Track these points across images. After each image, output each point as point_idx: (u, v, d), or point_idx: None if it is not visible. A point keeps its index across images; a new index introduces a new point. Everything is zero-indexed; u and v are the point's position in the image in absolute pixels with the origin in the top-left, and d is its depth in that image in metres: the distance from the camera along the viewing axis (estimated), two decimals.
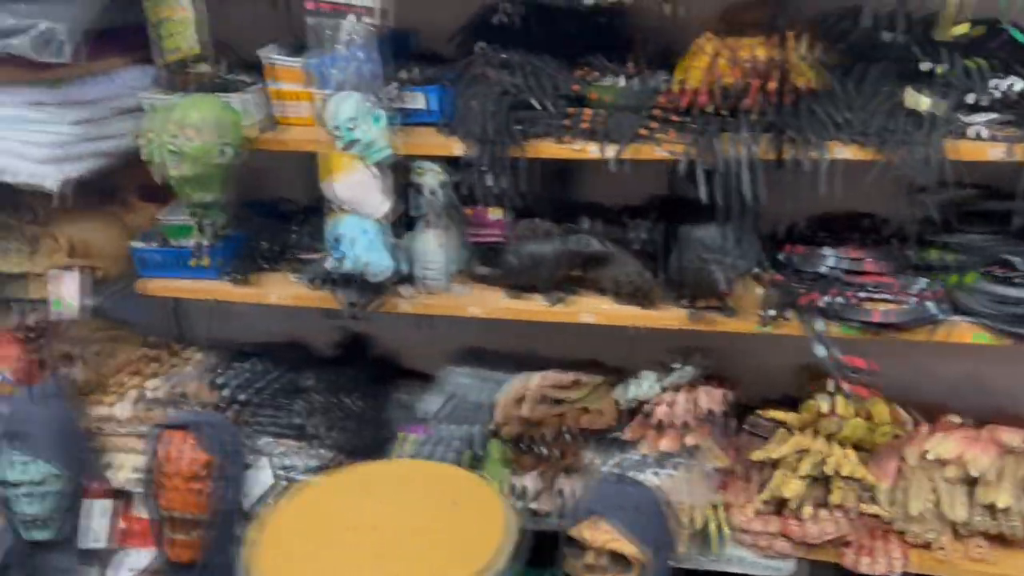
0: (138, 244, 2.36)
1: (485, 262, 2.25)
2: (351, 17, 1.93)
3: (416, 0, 1.95)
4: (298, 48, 2.10)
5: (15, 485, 2.32)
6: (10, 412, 2.34)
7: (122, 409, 2.48)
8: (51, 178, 2.09)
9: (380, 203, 2.03)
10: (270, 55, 2.15)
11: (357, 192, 2.02)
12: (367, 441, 2.37)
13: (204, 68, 2.23)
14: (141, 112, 2.26)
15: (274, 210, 2.50)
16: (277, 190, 2.53)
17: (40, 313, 2.66)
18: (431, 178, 2.08)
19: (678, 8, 1.87)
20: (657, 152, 1.90)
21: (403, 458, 2.25)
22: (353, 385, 2.51)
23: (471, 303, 2.16)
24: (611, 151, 1.91)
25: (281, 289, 2.29)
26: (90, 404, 2.53)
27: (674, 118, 1.92)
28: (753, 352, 2.24)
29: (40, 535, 2.36)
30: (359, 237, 2.03)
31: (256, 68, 2.22)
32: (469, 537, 1.80)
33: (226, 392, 2.49)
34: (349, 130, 1.95)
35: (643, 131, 1.91)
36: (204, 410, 2.41)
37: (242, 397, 2.48)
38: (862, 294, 1.93)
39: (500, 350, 2.50)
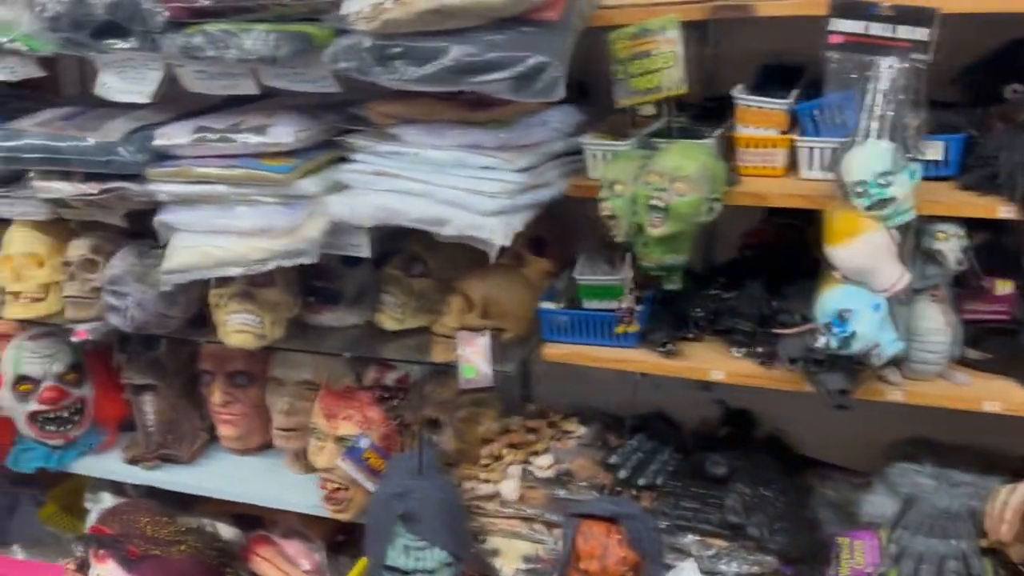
0: (548, 305, 2.08)
1: (974, 344, 1.89)
2: (890, 56, 1.62)
3: None
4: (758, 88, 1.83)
5: (405, 574, 2.05)
6: (402, 488, 2.08)
7: (508, 488, 2.19)
8: (498, 231, 1.83)
9: (895, 273, 1.70)
10: (744, 96, 1.85)
11: (871, 260, 1.69)
12: (806, 546, 2.02)
13: (650, 110, 1.95)
14: (568, 158, 2.01)
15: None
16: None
17: (399, 372, 2.43)
18: (954, 243, 1.74)
19: None
20: None
21: (858, 569, 1.90)
22: (767, 476, 2.17)
23: (984, 396, 1.79)
24: None
25: (723, 364, 1.97)
26: (462, 479, 2.26)
27: None
28: None
29: None
30: (867, 313, 1.70)
31: (685, 108, 1.95)
32: None
33: (622, 474, 2.19)
34: (881, 187, 1.62)
35: None
36: (611, 497, 2.11)
37: (641, 481, 2.18)
38: None
39: (950, 442, 2.13)
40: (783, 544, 1.98)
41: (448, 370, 2.29)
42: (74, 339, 2.38)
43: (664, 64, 1.75)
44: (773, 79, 1.96)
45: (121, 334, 2.46)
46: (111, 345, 2.77)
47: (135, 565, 2.36)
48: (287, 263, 1.98)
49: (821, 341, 1.75)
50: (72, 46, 2.04)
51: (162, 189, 2.06)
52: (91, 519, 2.78)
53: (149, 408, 2.63)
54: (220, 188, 2.00)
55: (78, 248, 2.40)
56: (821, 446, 2.34)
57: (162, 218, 2.09)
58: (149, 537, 2.43)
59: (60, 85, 2.79)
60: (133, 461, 2.64)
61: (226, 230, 2.01)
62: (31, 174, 2.24)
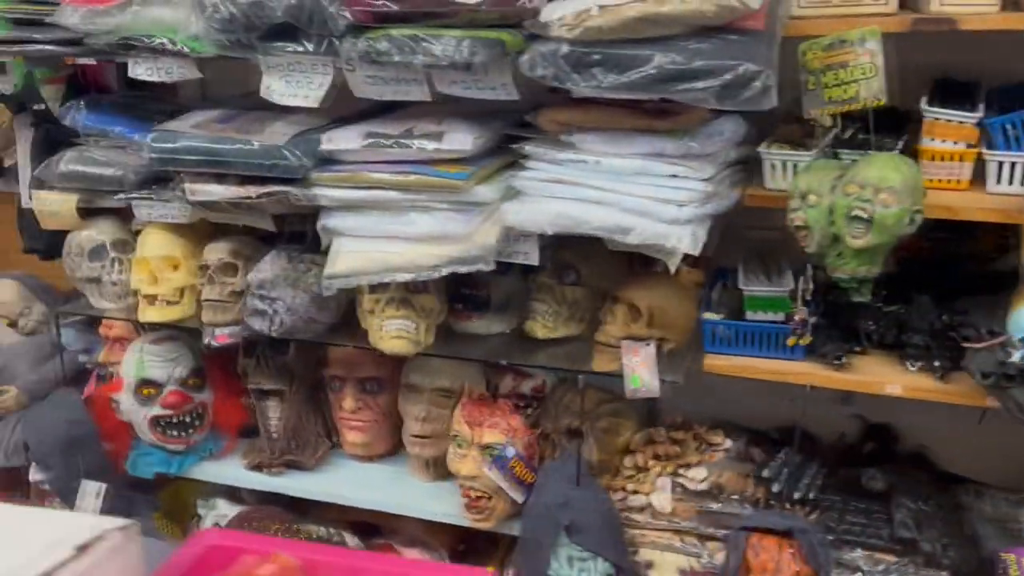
0: (711, 316, 2.07)
1: None
2: None
3: None
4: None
5: None
6: (564, 498, 2.06)
7: (660, 500, 2.18)
8: (685, 240, 1.82)
9: None
10: (934, 109, 1.85)
11: None
12: (974, 562, 2.01)
13: (827, 121, 1.94)
14: (735, 167, 2.00)
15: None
16: None
17: (535, 381, 2.41)
18: None
19: None
20: None
21: None
22: (924, 491, 2.15)
23: None
24: None
25: (897, 378, 1.96)
26: (607, 489, 2.24)
27: None
28: None
29: None
30: None
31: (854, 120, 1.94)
32: None
33: (776, 488, 2.17)
34: None
35: None
36: (777, 511, 2.09)
37: (795, 495, 2.16)
38: None
39: None
40: (955, 559, 1.96)
41: (592, 380, 2.30)
42: (214, 343, 2.37)
43: (863, 75, 1.74)
44: (950, 93, 1.95)
45: (248, 339, 2.44)
46: (231, 350, 2.76)
47: None
48: (463, 269, 1.96)
49: (1016, 356, 1.73)
50: (238, 48, 2.03)
51: (326, 194, 2.05)
52: (206, 525, 2.76)
53: (274, 414, 2.61)
54: (392, 194, 1.99)
55: (217, 252, 2.39)
56: (964, 462, 2.32)
57: (326, 223, 2.08)
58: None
59: (178, 86, 2.77)
60: (256, 467, 2.62)
61: (397, 235, 2.00)
62: (181, 176, 2.22)
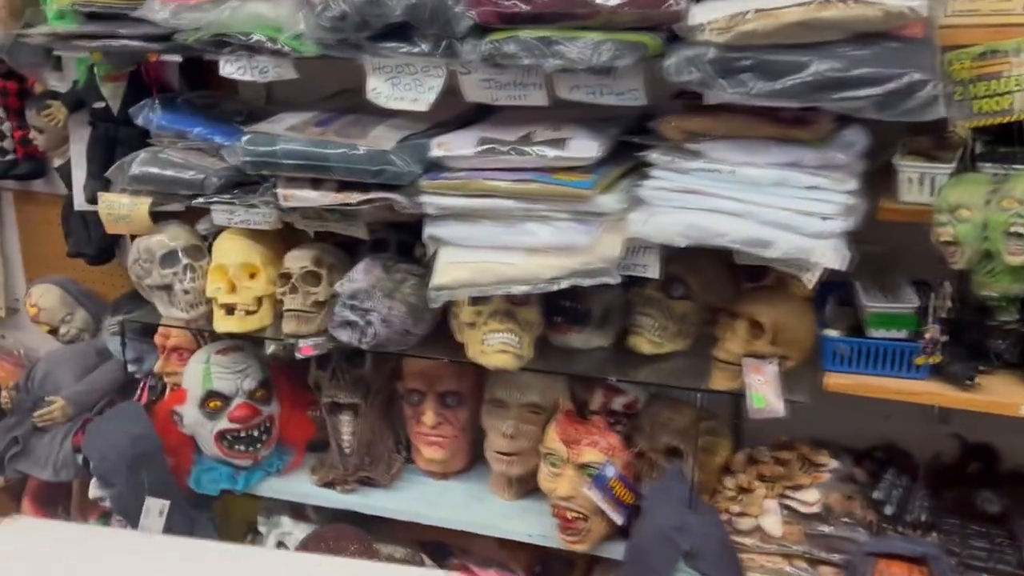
0: (833, 333, 2.00)
1: None
2: None
3: None
4: None
5: None
6: (681, 522, 1.98)
7: (771, 523, 2.10)
8: (830, 255, 1.74)
9: None
10: None
11: None
12: None
13: (964, 133, 1.88)
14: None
15: None
16: None
17: (628, 397, 2.33)
18: None
19: None
20: None
21: None
22: None
23: None
24: None
25: None
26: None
27: None
28: None
29: None
30: None
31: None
32: None
33: (888, 511, 2.11)
34: None
35: None
36: (892, 534, 2.03)
37: (908, 518, 2.09)
38: None
39: None
40: None
41: (682, 396, 2.23)
42: (298, 355, 2.27)
43: (1018, 86, 1.68)
44: None
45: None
46: (299, 361, 2.65)
47: None
48: (586, 282, 1.88)
49: None
50: (346, 48, 1.94)
51: (435, 202, 1.96)
52: (269, 543, 2.66)
53: (347, 428, 2.51)
54: (507, 203, 1.90)
55: (299, 260, 2.29)
56: None
57: (432, 232, 1.98)
58: None
59: (239, 88, 2.66)
60: (329, 484, 2.52)
61: (513, 246, 1.91)
62: (272, 181, 2.12)
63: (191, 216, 2.48)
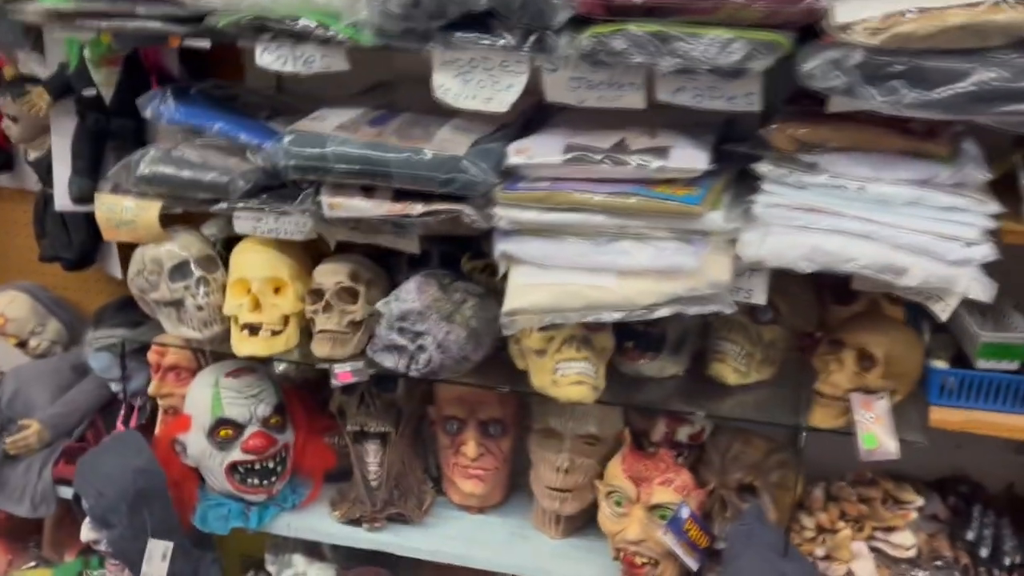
0: (940, 364, 1.83)
1: None
2: None
3: None
4: None
5: None
6: (775, 571, 1.80)
7: (865, 569, 1.93)
8: (975, 286, 1.57)
9: None
10: None
11: None
12: None
13: None
14: None
15: None
16: None
17: (693, 428, 2.14)
18: None
19: None
20: None
21: None
22: None
23: None
24: None
25: None
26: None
27: None
28: None
29: None
30: None
31: None
32: None
33: (983, 552, 1.96)
34: None
35: None
36: None
37: (1006, 561, 1.95)
38: None
39: None
40: None
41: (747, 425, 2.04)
42: (335, 383, 2.01)
43: None
44: None
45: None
46: (311, 383, 2.40)
47: None
48: (692, 310, 1.67)
49: None
50: (412, 39, 1.69)
51: (511, 215, 1.73)
52: None
53: (374, 459, 2.26)
54: (599, 218, 1.68)
55: (334, 274, 2.04)
56: None
57: (506, 248, 1.75)
58: None
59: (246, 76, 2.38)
60: (355, 522, 2.26)
61: (603, 267, 1.69)
62: (316, 187, 1.87)
63: (192, 221, 2.20)
